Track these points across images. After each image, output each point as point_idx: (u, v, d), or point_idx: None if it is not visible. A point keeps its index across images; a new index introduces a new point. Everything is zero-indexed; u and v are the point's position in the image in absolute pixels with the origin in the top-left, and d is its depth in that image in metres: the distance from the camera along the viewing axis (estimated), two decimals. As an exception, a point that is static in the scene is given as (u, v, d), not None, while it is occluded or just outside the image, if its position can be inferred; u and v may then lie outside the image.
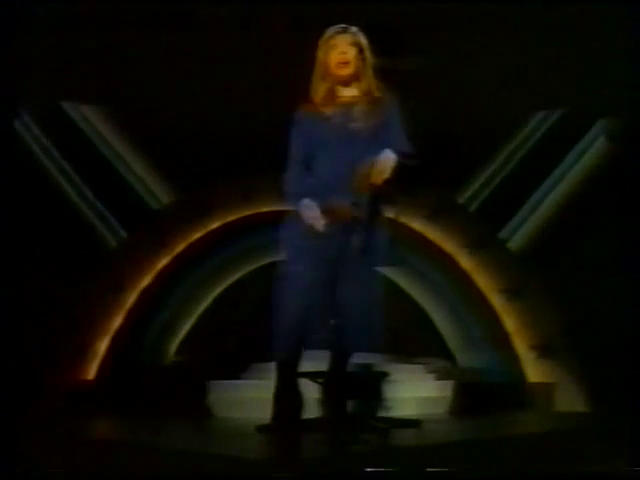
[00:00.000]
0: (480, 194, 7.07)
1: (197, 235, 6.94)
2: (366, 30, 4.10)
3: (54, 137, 7.13)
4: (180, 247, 6.94)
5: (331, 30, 4.05)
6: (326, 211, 3.94)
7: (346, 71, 4.03)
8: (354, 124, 4.00)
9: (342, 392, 3.97)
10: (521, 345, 6.60)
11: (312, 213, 3.91)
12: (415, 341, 6.53)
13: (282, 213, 4.13)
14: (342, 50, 4.01)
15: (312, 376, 4.18)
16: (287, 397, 3.96)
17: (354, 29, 4.06)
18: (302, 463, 3.62)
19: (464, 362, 6.83)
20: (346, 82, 4.06)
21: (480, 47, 6.13)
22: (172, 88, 6.59)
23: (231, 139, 6.71)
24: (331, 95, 4.06)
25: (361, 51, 4.04)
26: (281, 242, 4.02)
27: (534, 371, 6.56)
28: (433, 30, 5.98)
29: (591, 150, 6.99)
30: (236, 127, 6.67)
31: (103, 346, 6.69)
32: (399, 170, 3.96)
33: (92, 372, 6.64)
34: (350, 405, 3.98)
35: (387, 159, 3.87)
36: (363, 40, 4.06)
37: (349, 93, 4.07)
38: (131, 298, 6.81)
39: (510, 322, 6.63)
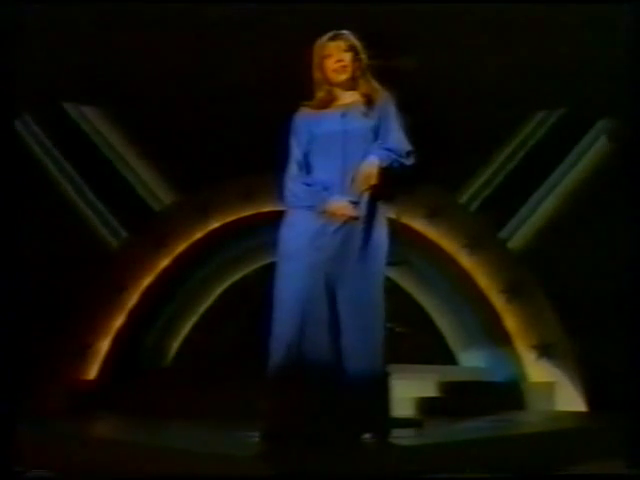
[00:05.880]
0: (480, 194, 7.07)
1: (198, 235, 6.95)
2: (364, 31, 4.12)
3: (55, 137, 7.13)
4: (181, 247, 6.94)
5: (324, 38, 4.10)
6: (326, 211, 3.96)
7: (343, 76, 4.08)
8: (352, 125, 4.03)
9: (342, 393, 3.97)
10: (521, 345, 6.59)
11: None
12: (415, 341, 6.53)
13: (282, 213, 4.15)
14: (337, 57, 4.07)
15: (313, 377, 4.17)
16: (287, 398, 3.96)
17: (346, 33, 4.10)
18: (302, 464, 3.62)
19: (464, 362, 6.83)
20: (344, 85, 4.10)
21: (479, 47, 6.13)
22: (173, 89, 6.60)
23: (231, 139, 6.73)
24: (329, 97, 4.11)
25: (356, 54, 4.08)
26: (280, 242, 4.04)
27: (534, 371, 6.55)
28: (432, 30, 5.98)
29: (591, 150, 6.99)
30: (236, 127, 6.68)
31: (104, 346, 6.69)
32: (398, 170, 3.99)
33: (93, 372, 6.65)
34: (350, 406, 3.98)
35: (370, 165, 3.92)
36: (356, 43, 4.10)
37: (347, 95, 4.12)
38: (132, 298, 6.82)
39: (510, 322, 6.63)
